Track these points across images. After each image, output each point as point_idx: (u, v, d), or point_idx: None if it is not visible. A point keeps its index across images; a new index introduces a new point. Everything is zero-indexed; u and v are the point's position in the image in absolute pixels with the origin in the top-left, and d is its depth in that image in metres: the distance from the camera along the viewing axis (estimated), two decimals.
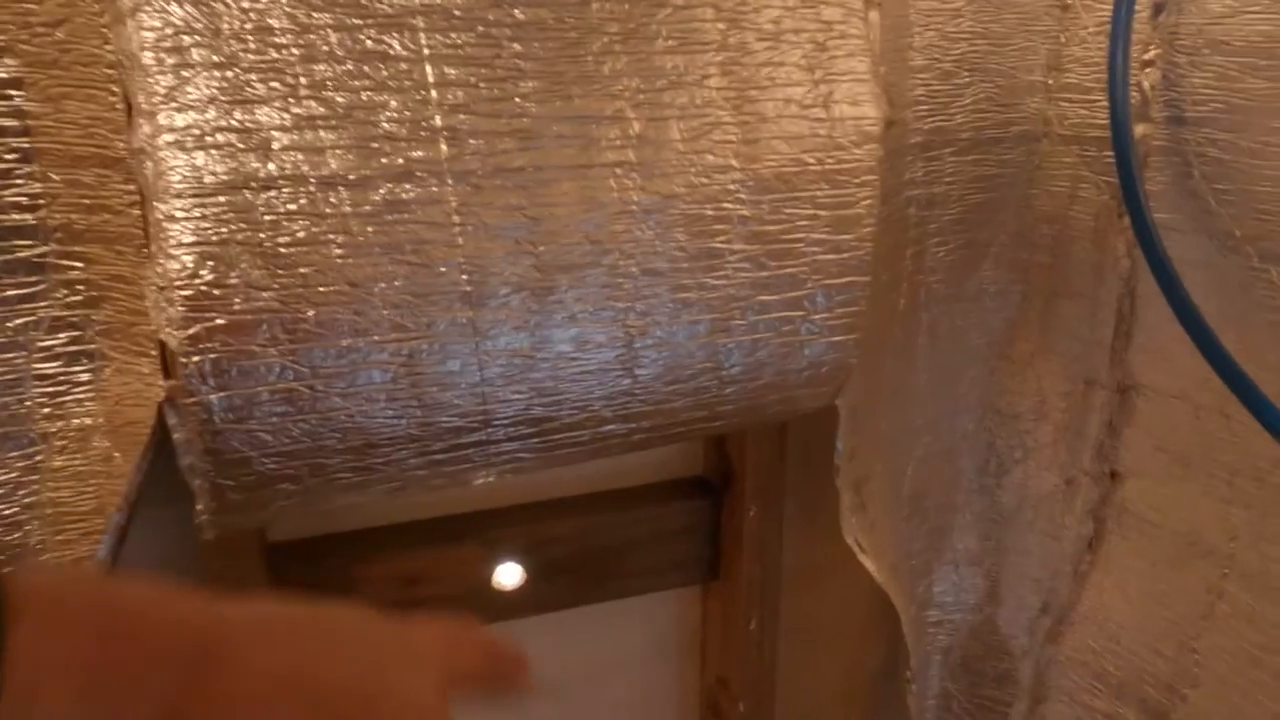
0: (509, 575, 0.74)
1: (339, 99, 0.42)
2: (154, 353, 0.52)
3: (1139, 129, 0.65)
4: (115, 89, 0.47)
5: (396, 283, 0.43)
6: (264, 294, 0.42)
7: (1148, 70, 0.65)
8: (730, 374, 0.53)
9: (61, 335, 0.54)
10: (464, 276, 0.45)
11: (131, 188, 0.49)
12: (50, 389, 0.54)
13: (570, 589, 0.77)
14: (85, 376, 0.55)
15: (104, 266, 0.52)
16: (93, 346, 0.54)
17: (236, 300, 0.41)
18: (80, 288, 0.53)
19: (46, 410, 0.55)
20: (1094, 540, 0.78)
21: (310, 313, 0.42)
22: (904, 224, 0.67)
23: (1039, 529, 0.81)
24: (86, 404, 0.55)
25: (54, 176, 0.51)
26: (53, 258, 0.52)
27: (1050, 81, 0.71)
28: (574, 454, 0.53)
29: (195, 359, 0.42)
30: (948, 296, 0.75)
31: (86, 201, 0.51)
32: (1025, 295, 0.78)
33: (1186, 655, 0.72)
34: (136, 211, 0.49)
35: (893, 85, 0.59)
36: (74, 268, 0.52)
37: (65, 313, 0.54)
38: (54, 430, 0.55)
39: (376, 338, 0.44)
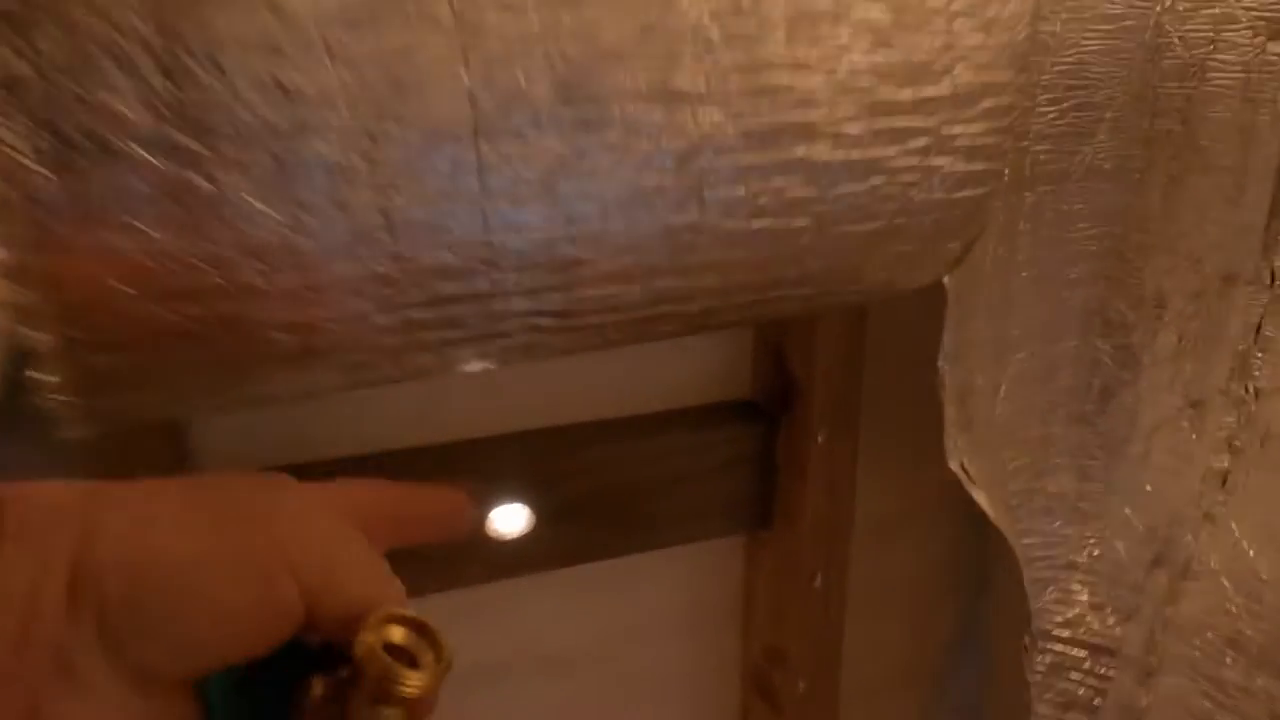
0: (510, 520, 0.61)
1: None
2: None
3: None
4: None
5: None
6: None
7: None
8: (832, 208, 0.37)
9: None
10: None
11: None
12: None
13: (585, 538, 0.64)
14: None
15: None
16: None
17: None
18: None
19: None
20: (1228, 476, 0.66)
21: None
22: None
23: (1154, 464, 0.69)
24: None
25: None
26: None
27: None
28: (610, 326, 0.38)
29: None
30: (1055, 174, 0.61)
31: None
32: (1146, 172, 0.64)
33: None
34: None
35: None
36: None
37: None
38: None
39: (315, 102, 0.28)
